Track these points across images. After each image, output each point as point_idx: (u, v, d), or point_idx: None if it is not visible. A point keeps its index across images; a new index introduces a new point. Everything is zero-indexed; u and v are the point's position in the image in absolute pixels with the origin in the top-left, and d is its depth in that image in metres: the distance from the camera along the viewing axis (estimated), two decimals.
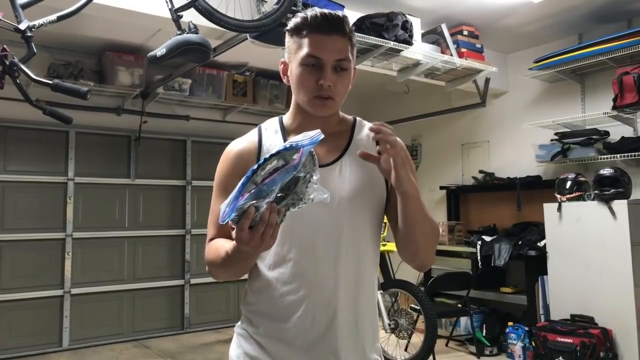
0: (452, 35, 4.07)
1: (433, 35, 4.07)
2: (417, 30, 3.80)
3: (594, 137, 4.08)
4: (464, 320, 4.55)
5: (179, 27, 2.50)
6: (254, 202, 0.91)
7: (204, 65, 4.77)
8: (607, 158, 3.96)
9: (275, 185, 0.91)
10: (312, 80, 1.15)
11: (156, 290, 5.01)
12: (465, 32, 4.16)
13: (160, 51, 2.36)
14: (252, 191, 0.91)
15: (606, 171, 3.76)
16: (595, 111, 4.12)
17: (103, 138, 4.87)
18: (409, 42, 3.67)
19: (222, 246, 1.11)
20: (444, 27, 4.02)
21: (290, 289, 1.16)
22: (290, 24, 1.19)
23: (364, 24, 3.56)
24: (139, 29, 3.93)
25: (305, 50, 1.15)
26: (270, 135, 1.26)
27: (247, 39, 3.29)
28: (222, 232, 1.17)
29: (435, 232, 1.19)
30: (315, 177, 0.95)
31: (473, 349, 4.28)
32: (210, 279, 5.25)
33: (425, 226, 1.15)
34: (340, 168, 1.20)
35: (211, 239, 1.20)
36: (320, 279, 1.15)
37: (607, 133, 4.07)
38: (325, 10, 1.16)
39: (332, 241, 1.16)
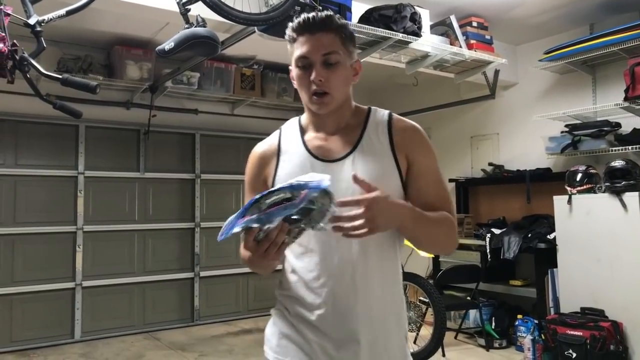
0: (461, 26, 4.04)
1: (442, 27, 4.04)
2: (426, 22, 3.78)
3: (605, 128, 4.03)
4: (473, 313, 4.54)
5: (187, 20, 2.50)
6: (256, 225, 0.98)
7: (212, 58, 4.77)
8: (618, 150, 3.92)
9: (276, 217, 0.97)
10: (306, 80, 1.24)
11: (166, 282, 5.05)
12: (475, 24, 4.12)
13: (168, 45, 2.36)
14: (254, 216, 0.98)
15: (617, 163, 3.72)
16: (607, 102, 4.07)
17: (112, 132, 4.90)
18: (417, 33, 3.64)
19: None
20: (452, 18, 3.99)
21: (313, 276, 1.23)
22: (286, 35, 1.29)
23: (372, 16, 3.54)
24: (148, 22, 3.94)
25: (296, 53, 1.25)
26: (288, 135, 1.34)
27: (255, 32, 3.29)
28: None
29: (446, 229, 1.25)
30: (332, 210, 1.00)
31: (482, 341, 4.28)
32: (220, 272, 5.30)
33: (432, 235, 1.23)
34: (353, 161, 1.24)
35: None
36: (340, 269, 1.21)
37: (618, 125, 4.03)
38: (309, 14, 1.23)
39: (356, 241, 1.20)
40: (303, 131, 1.33)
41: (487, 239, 4.44)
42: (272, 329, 1.33)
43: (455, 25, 3.98)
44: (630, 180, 3.64)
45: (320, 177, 1.00)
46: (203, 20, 2.51)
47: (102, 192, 4.80)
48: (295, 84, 1.30)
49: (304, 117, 1.35)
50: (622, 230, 3.57)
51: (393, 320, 1.27)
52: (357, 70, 1.29)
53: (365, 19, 3.54)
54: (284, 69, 5.38)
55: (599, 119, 4.18)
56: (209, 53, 2.62)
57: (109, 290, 4.75)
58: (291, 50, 1.27)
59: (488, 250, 4.40)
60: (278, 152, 1.32)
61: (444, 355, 3.97)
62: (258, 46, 4.48)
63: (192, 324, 5.11)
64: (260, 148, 1.37)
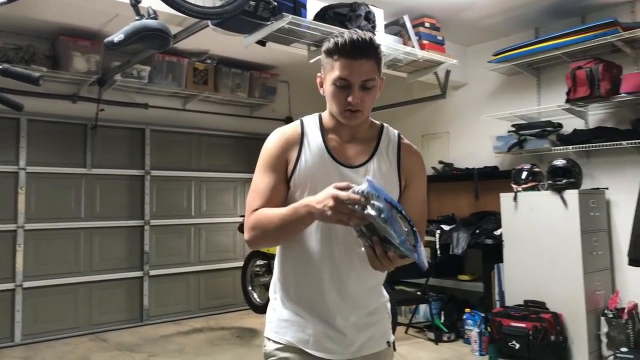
0: (414, 26, 4.10)
1: (395, 27, 4.09)
2: (380, 21, 3.82)
3: (548, 129, 4.21)
4: (423, 308, 4.65)
5: (137, 12, 2.43)
6: (373, 204, 1.12)
7: (163, 52, 4.66)
8: (560, 149, 4.10)
9: (386, 224, 1.12)
10: (342, 97, 1.34)
11: (114, 282, 4.90)
12: (427, 24, 4.19)
13: (117, 37, 2.29)
14: (380, 204, 1.12)
15: (559, 162, 3.90)
16: (550, 104, 4.25)
17: (57, 126, 4.69)
18: (371, 32, 3.68)
19: (275, 212, 1.31)
20: (406, 18, 4.05)
21: (314, 262, 1.37)
22: (324, 46, 1.38)
23: (327, 14, 3.54)
24: (96, 13, 3.79)
25: (336, 72, 1.33)
26: (310, 130, 1.43)
27: (208, 26, 3.23)
28: (269, 203, 1.36)
29: None
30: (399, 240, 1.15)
31: (432, 335, 4.38)
32: (170, 271, 5.18)
33: None
34: (367, 170, 1.40)
35: (256, 209, 1.37)
36: (338, 259, 1.36)
37: (560, 125, 4.21)
38: (354, 36, 1.32)
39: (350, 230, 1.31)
40: (324, 131, 1.42)
41: (437, 235, 4.55)
42: (272, 314, 1.46)
43: (409, 25, 4.05)
44: (570, 179, 3.81)
45: (423, 258, 1.19)
46: (155, 12, 2.44)
47: (45, 189, 4.60)
48: (322, 91, 1.41)
49: (326, 118, 1.45)
50: (563, 226, 3.73)
51: (373, 309, 1.48)
52: (380, 86, 1.41)
53: (320, 16, 3.54)
54: (238, 64, 5.32)
55: (542, 119, 4.36)
56: (160, 46, 2.55)
57: (52, 290, 4.56)
58: (328, 64, 1.35)
59: (438, 246, 4.52)
60: (301, 141, 1.40)
61: (394, 349, 4.04)
62: (211, 40, 4.40)
63: (141, 324, 4.98)
64: (286, 130, 1.43)
